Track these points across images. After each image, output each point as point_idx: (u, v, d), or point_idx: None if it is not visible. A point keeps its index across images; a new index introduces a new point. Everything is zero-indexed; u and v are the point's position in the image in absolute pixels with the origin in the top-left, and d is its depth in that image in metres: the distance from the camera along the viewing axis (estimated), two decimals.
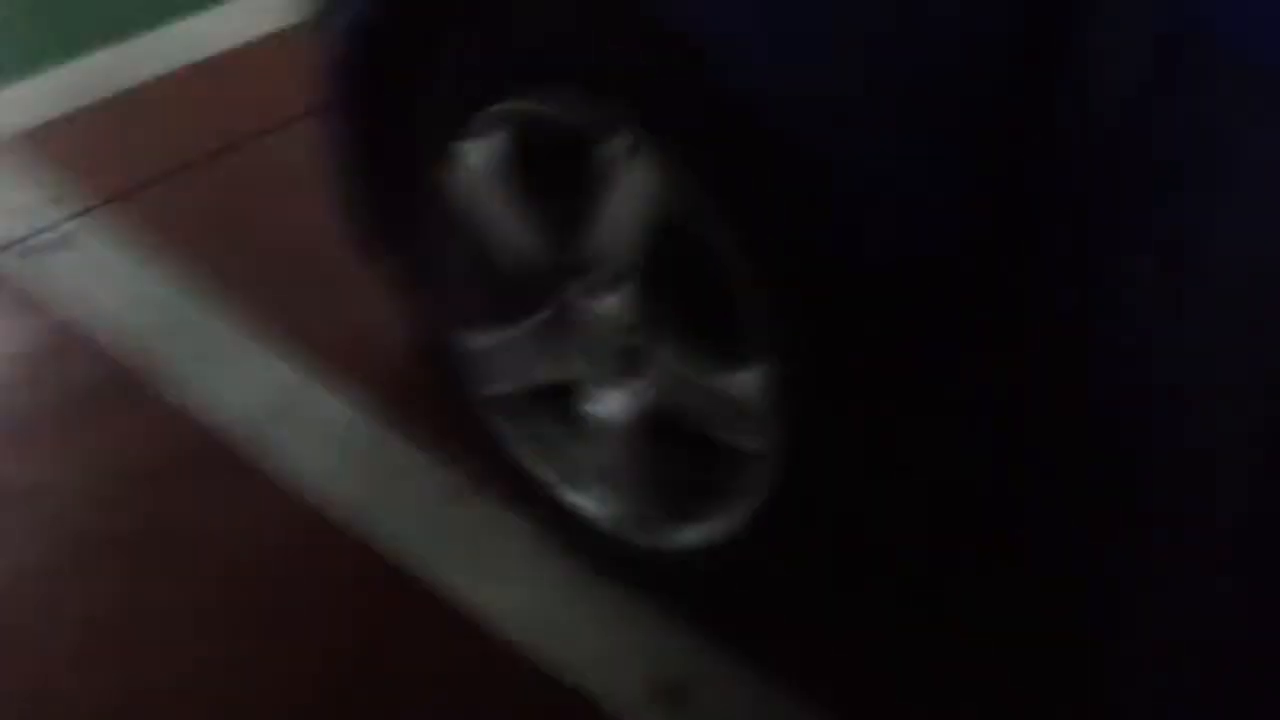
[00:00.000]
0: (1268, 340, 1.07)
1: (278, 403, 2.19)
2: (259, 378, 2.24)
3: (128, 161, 2.72)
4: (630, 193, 1.52)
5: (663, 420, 1.67)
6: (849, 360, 1.44)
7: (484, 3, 1.57)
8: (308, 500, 2.01)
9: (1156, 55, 1.07)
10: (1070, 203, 1.21)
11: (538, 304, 1.73)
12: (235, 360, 2.28)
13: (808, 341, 1.46)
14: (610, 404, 1.70)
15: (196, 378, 2.25)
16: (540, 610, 1.83)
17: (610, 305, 1.64)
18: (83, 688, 1.79)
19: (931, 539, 1.57)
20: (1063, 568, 1.42)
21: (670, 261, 1.54)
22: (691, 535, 1.70)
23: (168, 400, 2.21)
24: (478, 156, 1.65)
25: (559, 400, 1.79)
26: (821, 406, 1.49)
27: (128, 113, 2.86)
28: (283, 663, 1.80)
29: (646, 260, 1.56)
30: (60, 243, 2.52)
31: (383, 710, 1.74)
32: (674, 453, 1.69)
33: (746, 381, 1.52)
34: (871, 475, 1.52)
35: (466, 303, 1.82)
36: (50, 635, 1.86)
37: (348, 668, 1.79)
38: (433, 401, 2.06)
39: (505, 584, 1.86)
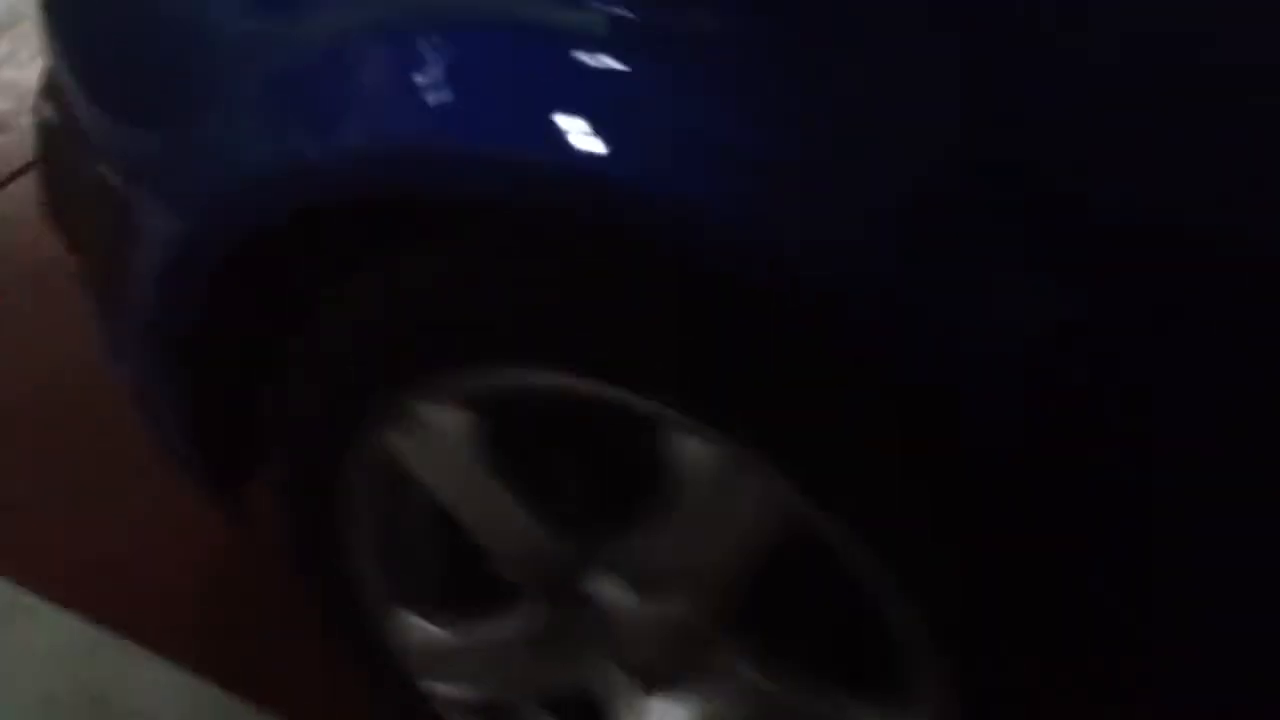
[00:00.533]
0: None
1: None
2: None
3: None
4: (715, 500, 1.04)
5: None
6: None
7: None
8: None
9: None
10: None
11: (532, 590, 1.23)
12: None
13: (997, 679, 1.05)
14: None
15: None
16: None
17: (659, 603, 1.16)
18: None
19: None
20: None
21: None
22: None
23: None
24: (441, 422, 1.13)
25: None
26: None
27: None
28: None
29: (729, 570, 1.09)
30: None
31: None
32: None
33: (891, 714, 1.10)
34: None
35: (412, 579, 1.29)
36: None
37: None
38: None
39: None
